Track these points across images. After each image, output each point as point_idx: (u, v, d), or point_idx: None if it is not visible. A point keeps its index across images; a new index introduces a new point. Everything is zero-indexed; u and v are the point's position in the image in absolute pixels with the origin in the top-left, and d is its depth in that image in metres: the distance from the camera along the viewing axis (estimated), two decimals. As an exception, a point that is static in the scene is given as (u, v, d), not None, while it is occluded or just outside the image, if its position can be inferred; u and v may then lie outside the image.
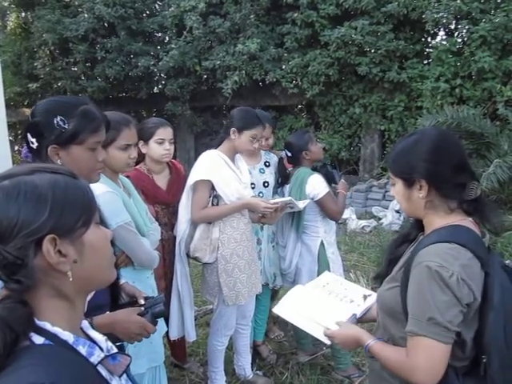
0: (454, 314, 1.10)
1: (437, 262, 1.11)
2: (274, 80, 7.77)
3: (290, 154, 2.84)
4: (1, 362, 0.64)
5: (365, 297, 1.58)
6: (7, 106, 2.35)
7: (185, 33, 8.20)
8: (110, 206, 1.62)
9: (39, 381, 0.62)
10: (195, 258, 2.41)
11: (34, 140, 1.29)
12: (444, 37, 7.37)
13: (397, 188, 1.29)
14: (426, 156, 1.21)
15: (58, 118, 1.27)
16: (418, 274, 1.15)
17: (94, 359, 0.74)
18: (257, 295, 2.64)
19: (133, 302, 1.42)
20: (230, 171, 2.38)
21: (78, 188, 0.76)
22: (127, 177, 2.02)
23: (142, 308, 1.36)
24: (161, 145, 2.35)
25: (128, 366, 0.80)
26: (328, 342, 1.41)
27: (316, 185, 2.70)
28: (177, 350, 2.88)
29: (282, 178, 2.87)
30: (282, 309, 1.61)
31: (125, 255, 1.79)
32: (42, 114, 1.29)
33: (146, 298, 1.41)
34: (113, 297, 1.26)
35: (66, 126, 1.27)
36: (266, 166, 2.88)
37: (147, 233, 1.86)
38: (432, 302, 1.10)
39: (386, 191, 6.99)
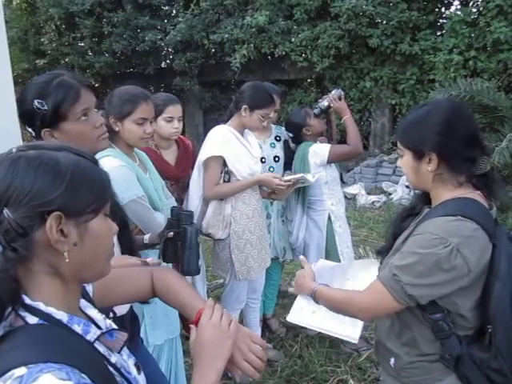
0: (421, 286, 1.13)
1: (435, 234, 1.12)
2: (283, 53, 7.62)
3: (291, 135, 2.82)
4: None
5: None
6: (15, 82, 2.34)
7: (192, 5, 8.03)
8: (123, 180, 1.63)
9: (34, 360, 0.62)
10: (208, 235, 2.43)
11: (30, 129, 1.29)
12: (458, 6, 7.14)
13: (404, 159, 1.27)
14: (437, 128, 1.19)
15: (36, 102, 1.25)
16: (416, 237, 1.18)
17: (91, 337, 0.75)
18: (267, 269, 2.67)
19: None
20: (241, 146, 2.37)
21: (98, 175, 0.76)
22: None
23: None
24: (169, 123, 2.32)
25: (125, 341, 0.80)
26: (355, 341, 1.38)
27: (317, 151, 2.68)
28: (188, 324, 2.93)
29: (289, 159, 2.85)
30: (295, 316, 1.49)
31: (138, 229, 1.80)
32: (25, 101, 1.28)
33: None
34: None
35: (45, 107, 1.24)
36: (276, 140, 2.86)
37: (162, 207, 1.87)
38: (406, 265, 1.15)
39: (397, 166, 6.90)
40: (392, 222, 1.46)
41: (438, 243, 1.11)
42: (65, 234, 0.70)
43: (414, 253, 1.15)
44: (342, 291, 1.35)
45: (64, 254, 0.70)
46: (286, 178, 2.45)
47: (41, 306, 0.70)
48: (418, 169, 1.24)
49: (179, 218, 1.45)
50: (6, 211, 0.66)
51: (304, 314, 1.47)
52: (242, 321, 2.85)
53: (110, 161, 1.66)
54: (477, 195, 1.21)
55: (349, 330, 1.37)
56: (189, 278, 2.47)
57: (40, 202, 0.67)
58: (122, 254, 1.37)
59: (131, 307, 1.55)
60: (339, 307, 1.32)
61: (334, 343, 2.92)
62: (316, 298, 1.36)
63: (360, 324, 1.39)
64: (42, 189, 0.67)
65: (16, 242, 0.67)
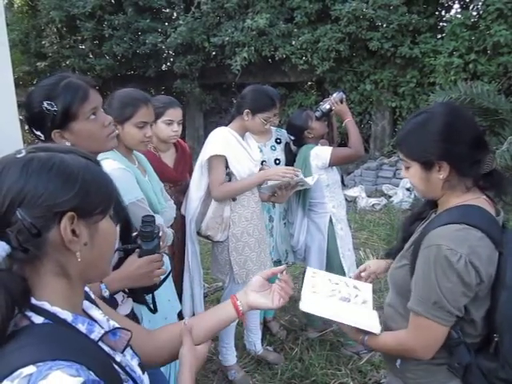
0: (458, 299, 1.11)
1: (446, 245, 1.10)
2: (284, 56, 7.65)
3: (293, 138, 2.82)
4: (3, 330, 0.65)
5: (357, 288, 1.48)
6: (16, 85, 2.33)
7: (193, 8, 8.07)
8: (122, 183, 1.62)
9: (42, 358, 0.62)
10: (207, 237, 2.42)
11: (39, 133, 1.28)
12: (459, 10, 7.17)
13: (412, 171, 1.24)
14: (440, 136, 1.17)
15: (45, 104, 1.25)
16: (427, 255, 1.15)
17: (95, 336, 0.76)
18: (267, 272, 2.66)
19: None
20: (241, 148, 2.36)
21: (104, 177, 0.78)
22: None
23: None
24: (169, 126, 2.32)
25: (129, 340, 0.81)
26: (377, 331, 1.27)
27: (319, 153, 2.68)
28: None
29: (290, 161, 2.85)
30: (307, 305, 1.31)
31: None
32: (33, 104, 1.27)
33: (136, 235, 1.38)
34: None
35: (55, 108, 1.25)
36: (277, 142, 2.87)
37: (161, 210, 1.87)
38: (438, 287, 1.12)
39: (397, 169, 6.93)
40: (401, 225, 1.45)
41: (450, 254, 1.09)
42: (76, 234, 0.71)
43: (435, 271, 1.12)
44: (388, 336, 1.29)
45: (76, 253, 0.72)
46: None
47: (46, 305, 0.71)
48: (428, 178, 1.21)
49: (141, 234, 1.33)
50: (19, 212, 0.67)
51: (316, 302, 1.35)
52: (242, 323, 2.85)
53: (110, 163, 1.65)
54: (483, 201, 1.19)
55: (368, 320, 1.30)
56: (187, 279, 2.46)
57: (54, 203, 0.68)
58: (125, 256, 1.37)
59: (132, 308, 1.55)
60: (397, 354, 1.29)
61: (334, 346, 2.92)
62: (369, 346, 1.33)
63: (376, 314, 1.34)
64: (56, 190, 0.69)
65: (29, 243, 0.67)
